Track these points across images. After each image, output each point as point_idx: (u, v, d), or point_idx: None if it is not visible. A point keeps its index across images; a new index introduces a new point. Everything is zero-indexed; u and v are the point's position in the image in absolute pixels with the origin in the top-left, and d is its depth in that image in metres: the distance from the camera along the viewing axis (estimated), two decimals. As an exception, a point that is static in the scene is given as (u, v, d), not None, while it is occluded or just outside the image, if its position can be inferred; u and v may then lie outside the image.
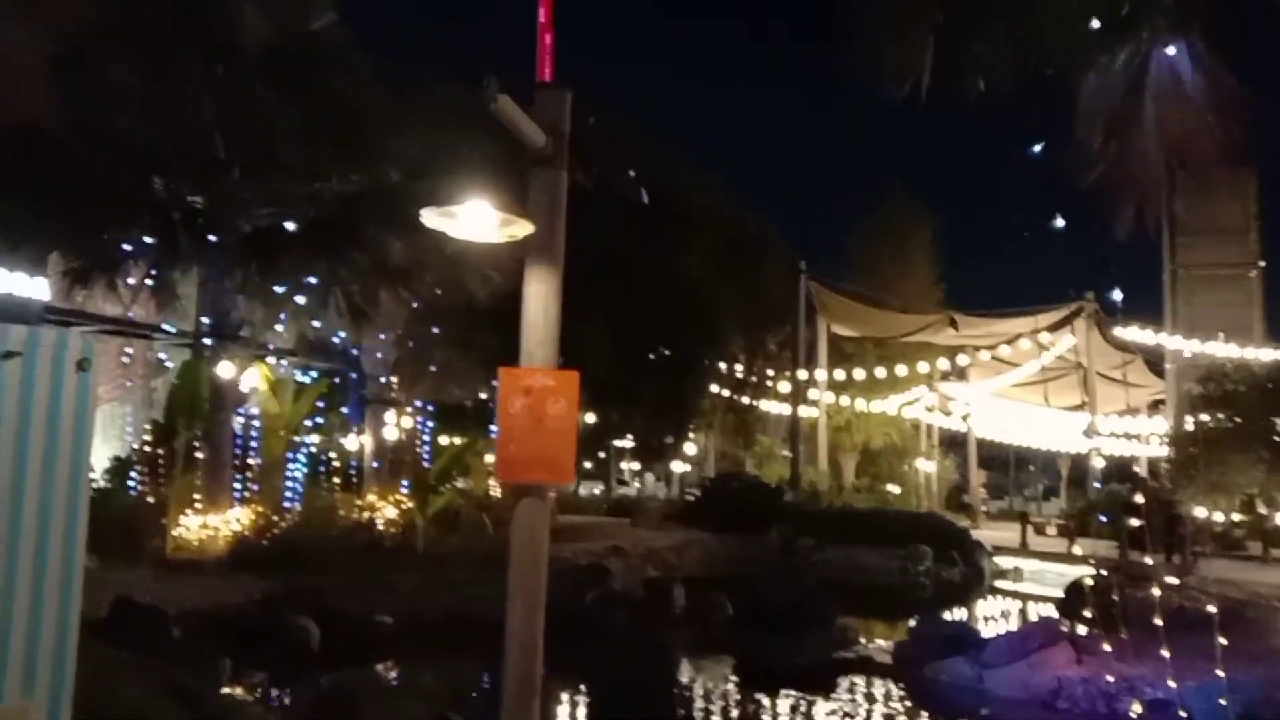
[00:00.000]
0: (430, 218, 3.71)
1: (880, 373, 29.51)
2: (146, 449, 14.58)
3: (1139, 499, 15.94)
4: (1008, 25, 5.73)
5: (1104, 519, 21.49)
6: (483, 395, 24.29)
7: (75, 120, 11.58)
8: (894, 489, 32.55)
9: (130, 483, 14.50)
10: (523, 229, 3.69)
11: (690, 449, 29.84)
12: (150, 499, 13.64)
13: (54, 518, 4.06)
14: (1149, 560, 15.23)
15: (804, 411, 29.33)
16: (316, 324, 15.35)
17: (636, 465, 35.59)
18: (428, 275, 14.51)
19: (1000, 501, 44.80)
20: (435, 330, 18.34)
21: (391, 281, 14.23)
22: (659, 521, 22.98)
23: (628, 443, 28.90)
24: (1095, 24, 5.55)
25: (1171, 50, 5.45)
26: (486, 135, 15.84)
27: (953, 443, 36.71)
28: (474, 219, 3.56)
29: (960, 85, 6.11)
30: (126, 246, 12.64)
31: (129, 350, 23.87)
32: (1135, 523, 15.90)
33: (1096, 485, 26.11)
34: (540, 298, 4.03)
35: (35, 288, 20.34)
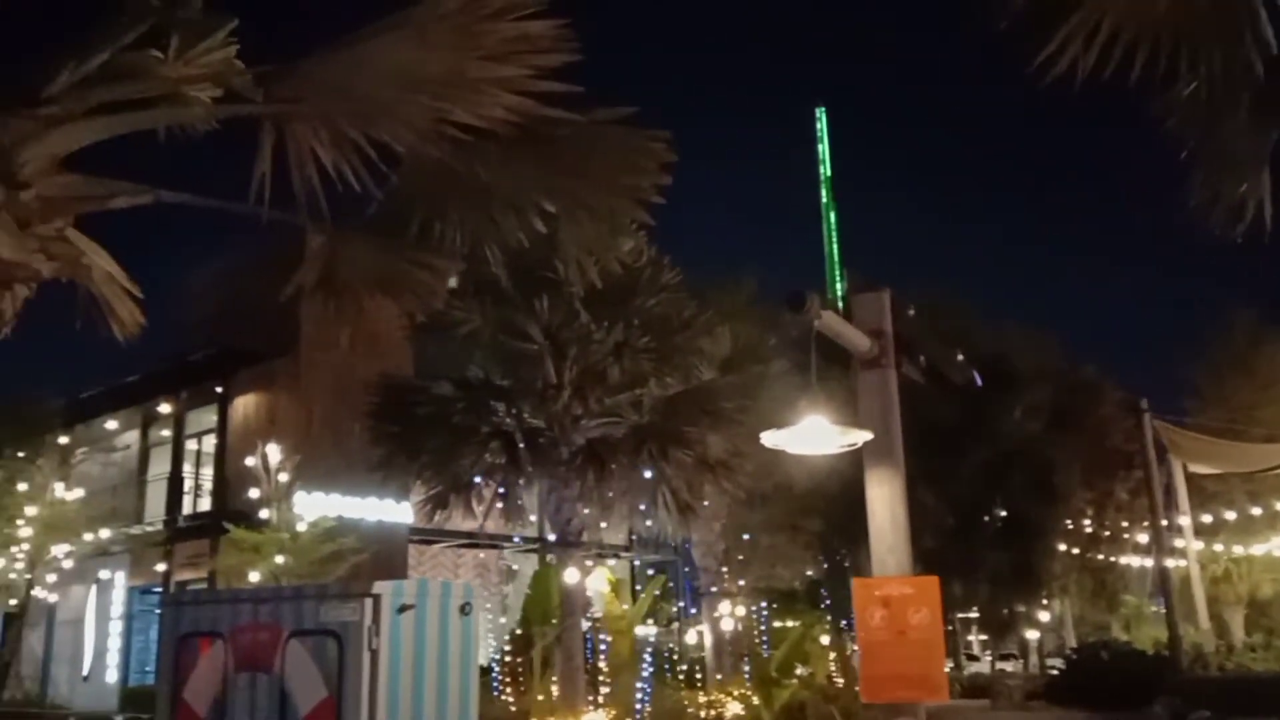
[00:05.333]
0: (769, 438, 3.81)
1: (1255, 511, 26.15)
2: (506, 657, 15.49)
3: None
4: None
5: None
6: (809, 573, 23.92)
7: (433, 368, 13.24)
8: (1297, 643, 28.08)
9: (493, 689, 15.37)
10: (860, 436, 3.69)
11: (1044, 616, 27.49)
12: (513, 708, 14.35)
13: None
14: None
15: (1171, 563, 26.32)
16: (648, 522, 15.88)
17: (984, 637, 33.20)
18: (747, 464, 14.73)
19: None
20: (759, 517, 18.44)
21: (714, 474, 14.54)
22: (1021, 701, 21.13)
23: (973, 614, 27.17)
24: None
25: None
26: (784, 327, 16.23)
27: (1362, 582, 31.46)
28: (812, 434, 3.62)
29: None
30: (478, 470, 13.86)
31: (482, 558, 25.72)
32: None
33: None
34: (885, 501, 3.96)
35: (401, 512, 22.72)
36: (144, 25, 5.18)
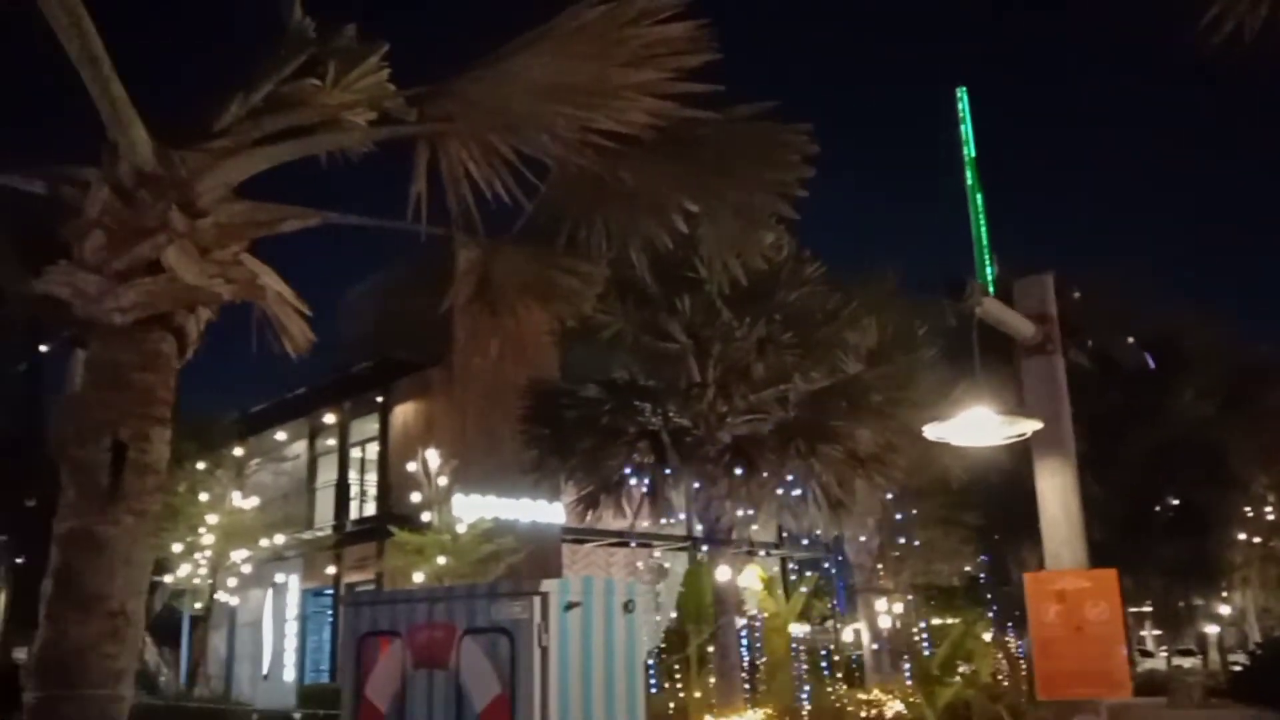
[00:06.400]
0: (931, 430, 3.73)
1: None
2: (662, 654, 15.62)
3: None
4: None
5: None
6: (966, 568, 23.24)
7: (579, 371, 13.52)
8: None
9: (651, 686, 15.52)
10: (1028, 426, 3.57)
11: (1224, 609, 25.93)
12: (671, 704, 14.46)
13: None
14: None
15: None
16: (797, 518, 15.74)
17: (1158, 632, 31.63)
18: (899, 458, 14.44)
19: None
20: (914, 512, 18.02)
21: (865, 469, 14.30)
22: (1202, 699, 19.99)
23: (1145, 608, 25.88)
24: None
25: None
26: (932, 316, 15.80)
27: None
28: (975, 425, 3.53)
29: None
30: (627, 469, 14.04)
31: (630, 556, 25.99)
32: None
33: None
34: (1056, 493, 3.82)
35: (553, 512, 23.19)
36: (303, 56, 5.46)
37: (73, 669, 3.92)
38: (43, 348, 23.29)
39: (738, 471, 13.75)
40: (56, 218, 4.68)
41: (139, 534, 4.17)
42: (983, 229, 27.88)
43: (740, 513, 14.86)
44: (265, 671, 26.99)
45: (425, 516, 19.14)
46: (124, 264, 4.31)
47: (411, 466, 19.76)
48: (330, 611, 25.12)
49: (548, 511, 23.03)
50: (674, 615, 17.06)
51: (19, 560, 25.19)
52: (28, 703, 4.00)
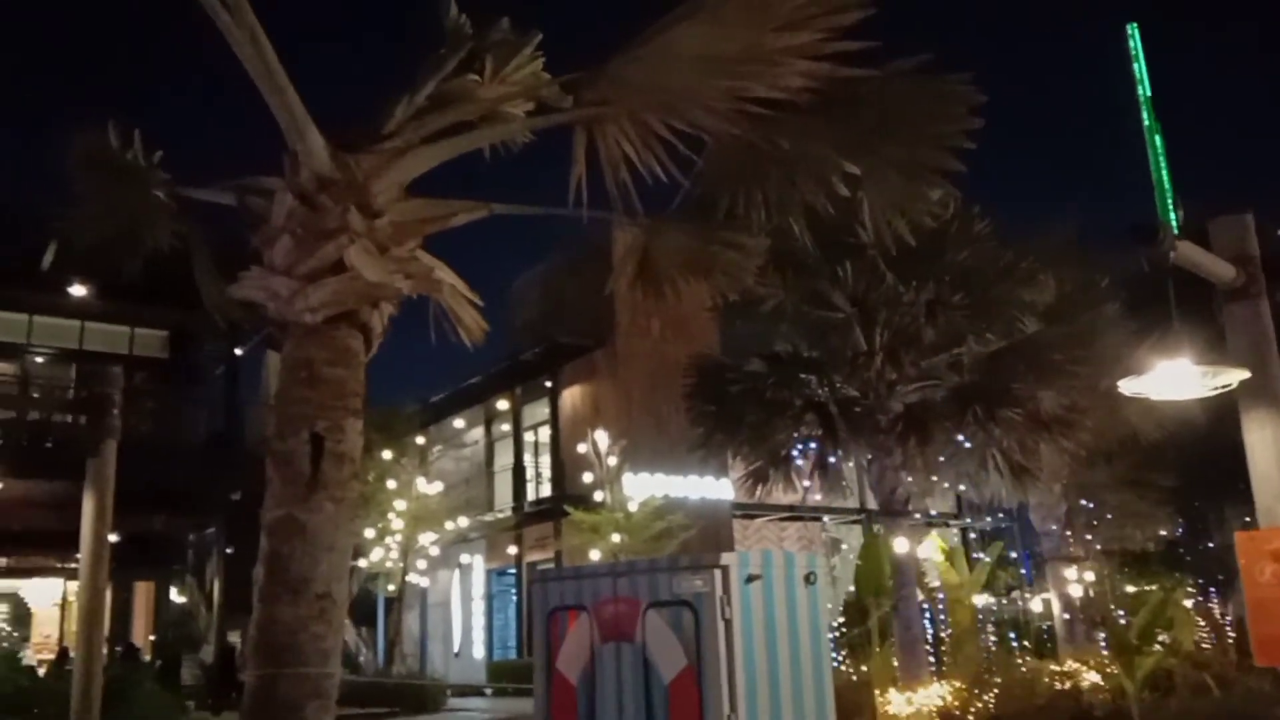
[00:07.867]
0: (1128, 385, 3.52)
1: None
2: (841, 628, 15.45)
3: None
4: None
5: None
6: (1162, 532, 22.01)
7: (740, 346, 13.48)
8: None
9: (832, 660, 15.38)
10: (1233, 376, 3.32)
11: None
12: (853, 677, 14.27)
13: (806, 712, 4.44)
14: None
15: None
16: (973, 487, 15.24)
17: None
18: (1085, 419, 13.74)
19: None
20: (1104, 475, 17.15)
21: (1049, 432, 13.68)
22: None
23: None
24: None
25: None
26: (1113, 267, 14.93)
27: None
28: (1174, 377, 3.30)
29: None
30: (795, 443, 13.90)
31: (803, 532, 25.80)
32: None
33: None
34: (1267, 445, 3.55)
35: (722, 488, 23.26)
36: (461, 53, 5.61)
37: (286, 649, 4.17)
38: (238, 351, 24.91)
39: (912, 441, 13.38)
40: (247, 227, 4.99)
41: (339, 520, 4.40)
42: (1164, 171, 26.15)
43: (916, 483, 14.47)
44: (456, 649, 28.22)
45: (598, 496, 19.57)
46: (311, 266, 4.55)
47: (582, 448, 20.24)
48: (514, 590, 26.04)
49: (716, 488, 23.12)
50: (851, 589, 16.84)
51: (229, 550, 27.12)
52: (247, 681, 4.29)
